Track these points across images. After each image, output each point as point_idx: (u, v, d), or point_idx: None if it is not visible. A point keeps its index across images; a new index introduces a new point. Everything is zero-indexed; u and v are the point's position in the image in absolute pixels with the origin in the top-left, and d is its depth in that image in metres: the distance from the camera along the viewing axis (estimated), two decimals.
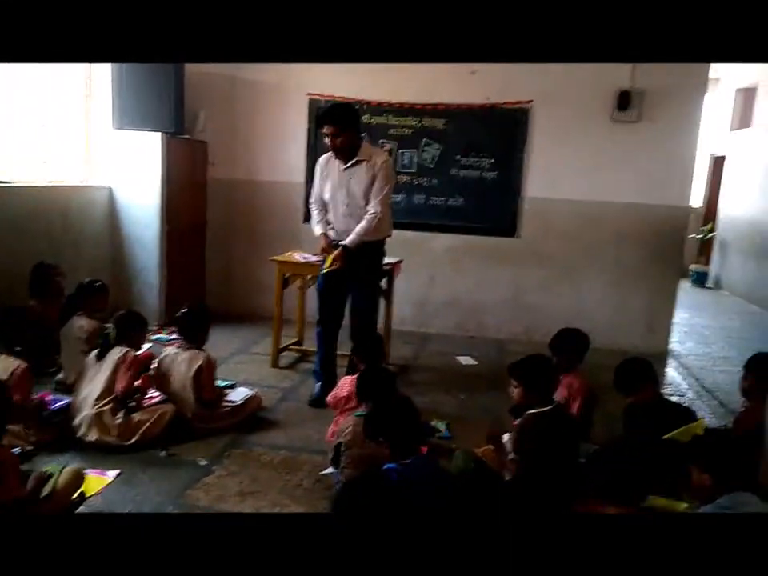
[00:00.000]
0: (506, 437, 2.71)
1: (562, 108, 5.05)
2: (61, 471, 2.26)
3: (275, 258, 4.25)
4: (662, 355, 5.10)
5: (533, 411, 2.53)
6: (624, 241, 5.14)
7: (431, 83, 5.14)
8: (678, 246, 5.22)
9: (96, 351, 3.08)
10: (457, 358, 4.77)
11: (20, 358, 2.91)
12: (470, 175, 5.23)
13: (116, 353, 3.03)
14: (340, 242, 3.48)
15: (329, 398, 3.16)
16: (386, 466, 2.13)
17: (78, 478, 2.32)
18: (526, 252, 5.26)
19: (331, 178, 3.50)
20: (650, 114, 4.97)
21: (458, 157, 5.22)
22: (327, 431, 3.11)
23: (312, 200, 3.65)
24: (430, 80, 5.14)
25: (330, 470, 2.74)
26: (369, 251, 3.52)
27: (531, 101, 5.08)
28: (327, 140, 3.35)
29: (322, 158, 3.59)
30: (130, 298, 4.99)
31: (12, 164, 4.27)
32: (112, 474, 2.66)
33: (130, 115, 4.77)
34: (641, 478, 2.27)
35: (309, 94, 5.25)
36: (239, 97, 5.41)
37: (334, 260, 3.44)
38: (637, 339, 5.11)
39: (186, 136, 5.22)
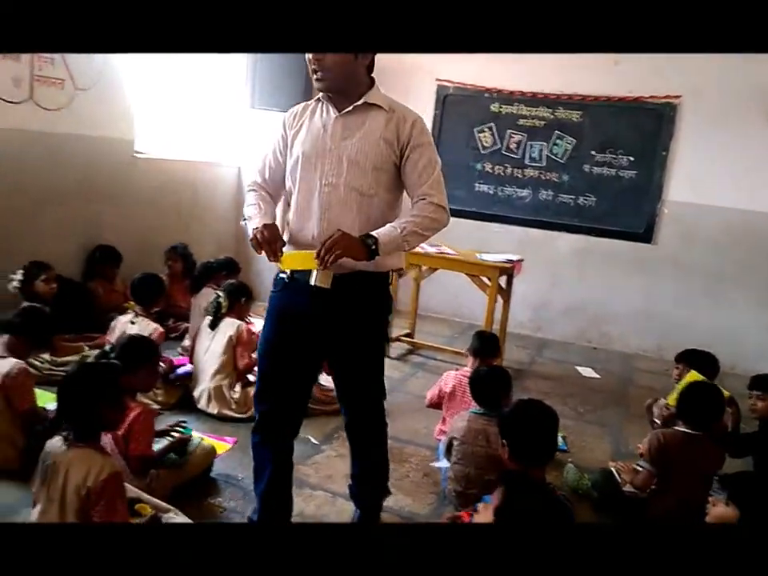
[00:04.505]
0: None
1: (714, 105, 4.55)
2: (199, 444, 2.36)
3: None
4: None
5: (681, 429, 2.37)
6: None
7: (567, 72, 4.80)
8: None
9: (209, 319, 3.14)
10: (577, 368, 4.44)
11: (156, 322, 3.13)
12: (604, 173, 4.86)
13: (228, 326, 3.07)
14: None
15: (429, 395, 2.98)
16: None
17: (211, 454, 2.42)
18: (663, 260, 4.79)
19: (308, 134, 1.84)
20: None
21: (593, 152, 4.86)
22: (434, 428, 2.99)
23: (252, 179, 1.97)
24: (567, 69, 4.79)
25: (439, 463, 2.66)
26: (373, 288, 1.87)
27: (680, 96, 4.63)
28: (312, 68, 1.73)
29: (292, 110, 1.93)
30: (250, 275, 5.12)
31: (149, 138, 4.47)
32: (230, 440, 2.72)
33: (263, 95, 4.91)
34: None
35: (438, 80, 5.11)
36: None
37: (325, 254, 1.61)
38: None
39: None
